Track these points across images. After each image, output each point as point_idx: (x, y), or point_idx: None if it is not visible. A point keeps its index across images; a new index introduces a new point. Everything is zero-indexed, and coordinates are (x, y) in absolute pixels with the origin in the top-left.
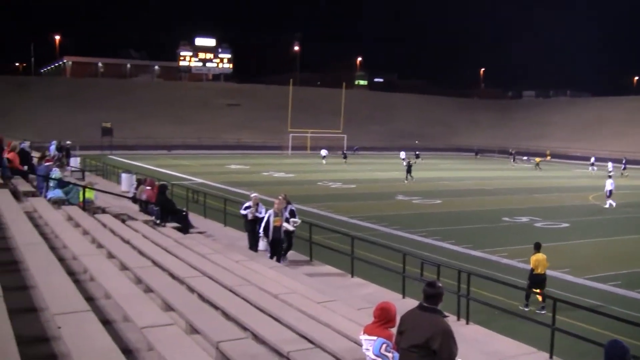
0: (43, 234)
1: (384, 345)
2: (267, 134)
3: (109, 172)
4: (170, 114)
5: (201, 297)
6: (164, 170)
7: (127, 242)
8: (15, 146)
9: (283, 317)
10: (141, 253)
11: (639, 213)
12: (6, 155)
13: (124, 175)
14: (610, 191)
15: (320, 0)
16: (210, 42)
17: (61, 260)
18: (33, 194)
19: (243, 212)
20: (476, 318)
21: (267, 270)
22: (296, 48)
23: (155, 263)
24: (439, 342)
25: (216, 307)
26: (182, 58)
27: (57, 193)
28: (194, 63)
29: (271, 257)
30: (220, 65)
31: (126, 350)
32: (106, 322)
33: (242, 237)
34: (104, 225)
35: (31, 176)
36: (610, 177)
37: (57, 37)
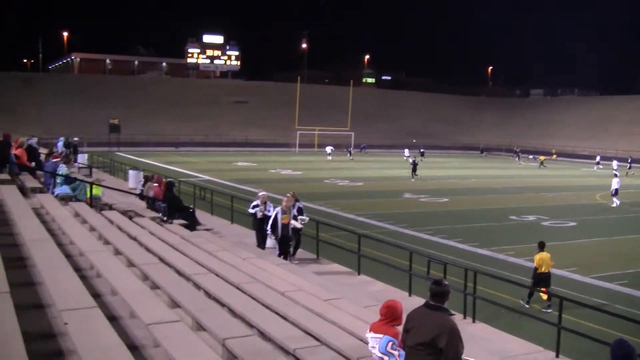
0: (50, 230)
1: (390, 343)
2: (275, 132)
3: (117, 168)
4: (177, 111)
5: (208, 294)
6: (171, 167)
7: (134, 239)
8: (22, 142)
9: (289, 315)
10: (148, 250)
11: None
12: (14, 151)
13: (131, 172)
14: (616, 190)
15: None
16: (218, 39)
17: (68, 256)
18: (40, 190)
19: (251, 210)
20: (482, 316)
21: (274, 268)
22: (304, 45)
23: (162, 260)
24: (445, 340)
25: (222, 304)
26: (189, 55)
27: (65, 189)
28: (202, 60)
29: (279, 255)
30: (228, 62)
31: (132, 346)
32: (112, 319)
33: (249, 235)
34: (111, 222)
35: (38, 172)
36: (616, 175)
37: (65, 34)
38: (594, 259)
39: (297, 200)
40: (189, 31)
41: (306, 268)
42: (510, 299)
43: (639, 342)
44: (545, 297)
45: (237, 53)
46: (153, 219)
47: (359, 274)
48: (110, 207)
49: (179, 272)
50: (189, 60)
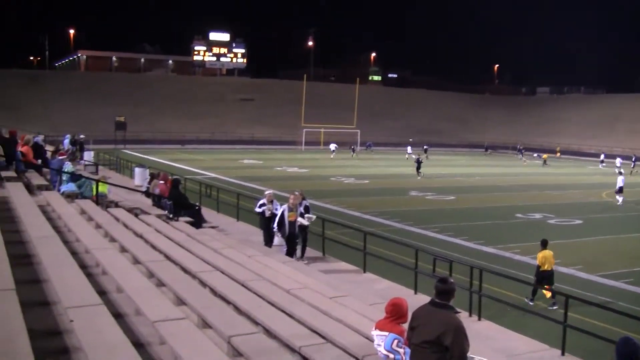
0: (56, 228)
1: (396, 341)
2: (281, 129)
3: (123, 166)
4: (184, 108)
5: (213, 292)
6: (177, 165)
7: (140, 236)
8: (29, 140)
9: (295, 312)
10: (154, 247)
11: None
12: (20, 149)
13: (137, 170)
14: (621, 187)
15: None
16: (225, 36)
17: (74, 253)
18: (46, 188)
19: (258, 209)
20: (488, 314)
21: (280, 265)
22: (310, 43)
23: (167, 257)
24: (451, 338)
25: (228, 302)
26: (196, 52)
27: (71, 187)
28: (208, 58)
29: (287, 254)
30: (234, 60)
31: (138, 344)
32: (118, 316)
33: (255, 232)
34: (117, 219)
35: (45, 170)
36: (621, 173)
37: (72, 31)
38: (599, 257)
39: (303, 199)
40: (196, 29)
41: (312, 266)
42: (516, 296)
43: None
44: (548, 295)
45: (243, 51)
46: (159, 216)
47: (364, 272)
48: (116, 205)
49: (185, 270)
50: (195, 57)
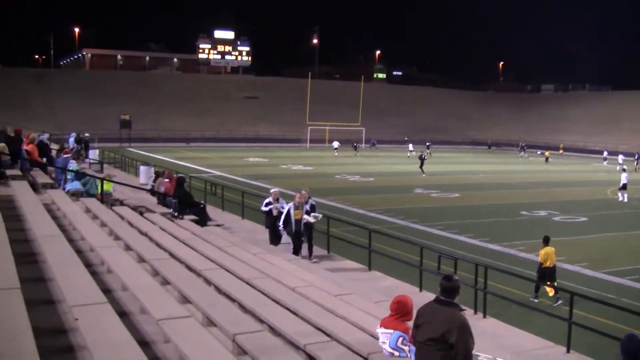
0: (61, 226)
1: (401, 339)
2: (286, 127)
3: (128, 164)
4: (188, 106)
5: (218, 290)
6: (182, 163)
7: (145, 235)
8: (34, 138)
9: (300, 310)
10: (159, 245)
11: None
12: (25, 147)
13: (142, 168)
14: (625, 184)
15: None
16: (229, 34)
17: (79, 252)
18: (52, 186)
19: (265, 208)
20: (493, 311)
21: (285, 263)
22: (315, 41)
23: (172, 255)
24: (456, 336)
25: (233, 300)
26: (201, 51)
27: (76, 185)
28: (213, 56)
29: (294, 252)
30: (239, 58)
31: (143, 342)
32: (123, 314)
33: (260, 230)
34: (122, 218)
35: (50, 168)
36: (624, 170)
37: (77, 30)
38: (604, 254)
39: (308, 197)
40: (200, 27)
41: (317, 264)
42: (521, 294)
43: None
44: (551, 292)
45: (248, 49)
46: (164, 214)
47: (369, 270)
48: (121, 203)
49: (190, 268)
50: (200, 55)
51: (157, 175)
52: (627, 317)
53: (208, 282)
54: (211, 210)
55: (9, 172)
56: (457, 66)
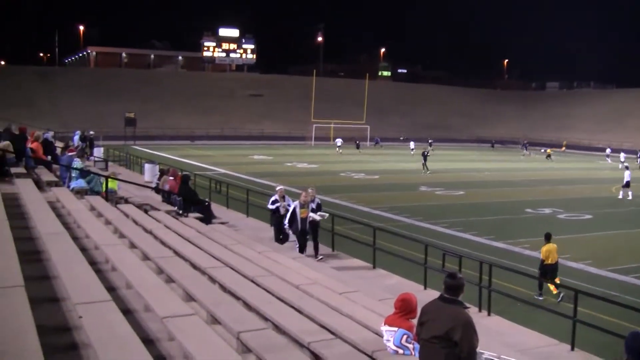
0: (65, 224)
1: (405, 337)
2: (290, 125)
3: (132, 162)
4: (193, 104)
5: (223, 288)
6: (187, 161)
7: (150, 232)
8: (38, 136)
9: (304, 308)
10: (163, 243)
11: None
12: (30, 145)
13: (147, 166)
14: (628, 182)
15: None
16: (234, 32)
17: (83, 250)
18: (56, 184)
19: (272, 206)
20: (497, 309)
21: (289, 261)
22: (319, 39)
23: (177, 253)
24: (460, 334)
25: (237, 298)
26: (205, 48)
27: (80, 183)
28: (218, 54)
29: (300, 251)
30: (244, 55)
31: (147, 340)
32: (127, 312)
33: (265, 228)
34: (127, 216)
35: (54, 166)
36: (627, 168)
37: (81, 28)
38: (609, 252)
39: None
40: (205, 24)
41: (322, 262)
42: (525, 291)
43: None
44: (554, 290)
45: (252, 46)
46: (168, 212)
47: (374, 267)
48: (126, 201)
49: (194, 266)
50: (205, 53)
51: (162, 173)
52: (632, 315)
53: (213, 280)
54: (216, 208)
55: (13, 170)
56: (461, 64)
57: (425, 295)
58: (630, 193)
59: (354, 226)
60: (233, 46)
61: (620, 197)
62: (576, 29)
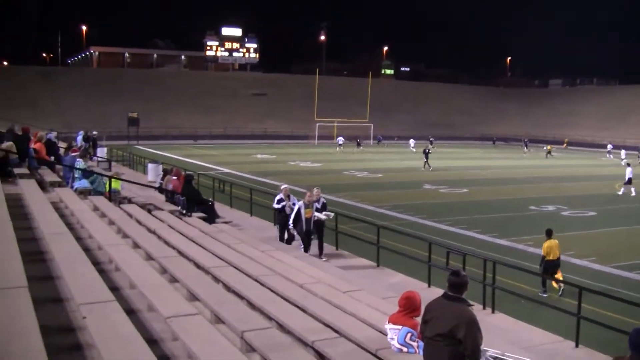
0: (69, 224)
1: (409, 335)
2: (293, 124)
3: (136, 162)
4: (196, 104)
5: (226, 287)
6: (190, 160)
7: (153, 232)
8: (41, 136)
9: (308, 307)
10: (167, 243)
11: None
12: (33, 145)
13: (150, 165)
14: (630, 179)
15: None
16: (237, 31)
17: (87, 250)
18: (59, 184)
19: (277, 206)
20: (502, 307)
21: (293, 260)
22: (322, 37)
23: (180, 253)
24: (464, 331)
25: (241, 297)
26: (208, 48)
27: (83, 183)
28: (220, 53)
29: (305, 251)
30: (247, 55)
31: (151, 340)
32: (131, 312)
33: (269, 227)
34: (130, 216)
35: (57, 166)
36: (629, 165)
37: (84, 28)
38: (613, 248)
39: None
40: (208, 24)
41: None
42: (529, 289)
43: None
44: (556, 285)
45: (255, 45)
46: (172, 212)
47: (378, 266)
48: (129, 201)
49: (198, 265)
50: (208, 53)
51: (165, 172)
52: (636, 311)
53: (216, 279)
54: (219, 208)
55: (16, 170)
56: (464, 62)
57: (429, 293)
58: (633, 190)
59: (357, 225)
60: (236, 45)
61: (620, 193)
62: (579, 25)
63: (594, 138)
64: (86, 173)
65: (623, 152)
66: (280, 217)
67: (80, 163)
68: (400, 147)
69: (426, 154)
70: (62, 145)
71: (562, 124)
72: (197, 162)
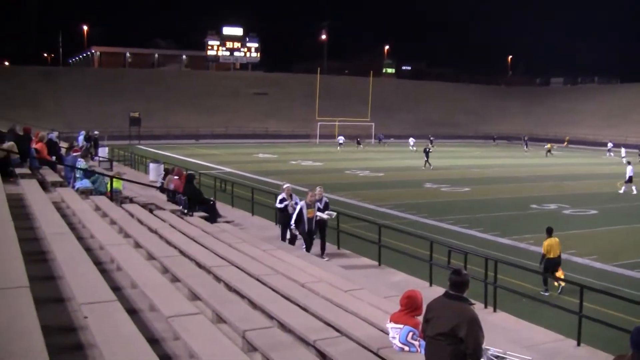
0: (70, 224)
1: (411, 334)
2: (295, 123)
3: (137, 161)
4: (198, 103)
5: (228, 287)
6: (191, 160)
7: (155, 232)
8: (43, 136)
9: (310, 306)
10: (168, 243)
11: None
12: (34, 145)
13: (151, 165)
14: (631, 177)
15: None
16: (238, 31)
17: (88, 250)
18: (61, 184)
19: (280, 205)
20: (503, 305)
21: (295, 259)
22: (323, 37)
23: (182, 252)
24: (465, 330)
25: (243, 296)
26: (209, 47)
27: (85, 183)
28: (222, 52)
29: (307, 251)
30: (248, 54)
31: (152, 339)
32: (132, 312)
33: (270, 226)
34: (132, 215)
35: (59, 166)
36: (629, 163)
37: (85, 28)
38: (615, 247)
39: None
40: (209, 23)
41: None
42: (531, 287)
43: None
44: (556, 283)
45: (256, 45)
46: (173, 211)
47: (379, 265)
48: (131, 200)
49: (199, 265)
50: (209, 52)
51: (167, 172)
52: (637, 310)
53: (218, 279)
54: (221, 207)
55: (18, 170)
56: (466, 60)
57: (431, 292)
58: (634, 188)
59: (359, 224)
60: (237, 45)
61: (621, 192)
62: (579, 25)
63: (595, 136)
64: (87, 173)
65: (623, 150)
66: (282, 217)
67: (81, 163)
68: (402, 146)
69: (427, 153)
70: (63, 145)
71: (564, 122)
72: (199, 162)
